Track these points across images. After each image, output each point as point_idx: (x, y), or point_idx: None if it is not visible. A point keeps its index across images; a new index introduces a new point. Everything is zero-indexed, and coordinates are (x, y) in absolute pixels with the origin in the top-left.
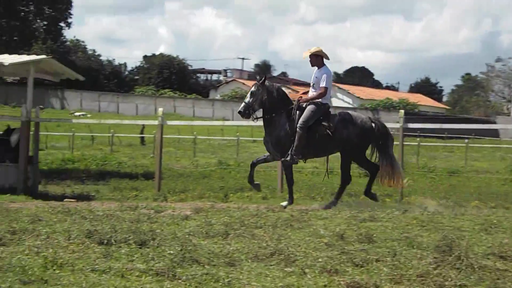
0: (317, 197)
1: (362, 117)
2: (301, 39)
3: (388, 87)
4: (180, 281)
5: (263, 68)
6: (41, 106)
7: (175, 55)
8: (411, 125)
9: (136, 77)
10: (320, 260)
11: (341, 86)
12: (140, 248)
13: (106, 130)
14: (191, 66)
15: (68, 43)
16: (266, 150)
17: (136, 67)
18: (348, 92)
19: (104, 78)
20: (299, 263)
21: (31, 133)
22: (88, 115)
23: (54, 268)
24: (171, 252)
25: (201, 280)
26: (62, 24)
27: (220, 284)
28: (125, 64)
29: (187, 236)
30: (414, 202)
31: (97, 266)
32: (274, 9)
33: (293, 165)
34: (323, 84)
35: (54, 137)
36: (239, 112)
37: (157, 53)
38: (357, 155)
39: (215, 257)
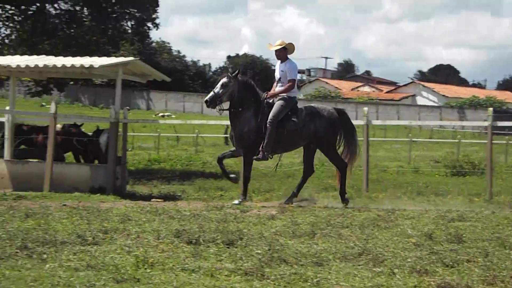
0: (403, 196)
1: (328, 109)
2: (385, 37)
3: (474, 85)
4: (268, 280)
5: (346, 67)
6: (128, 107)
7: (258, 55)
8: (500, 123)
9: None
10: (409, 260)
11: (426, 84)
12: (228, 247)
13: (191, 131)
14: (274, 65)
15: (154, 44)
16: (232, 144)
17: (220, 68)
18: (433, 91)
19: (188, 78)
20: (387, 263)
21: (119, 134)
22: (173, 116)
23: (145, 267)
24: (259, 251)
25: (290, 280)
26: (149, 24)
27: (308, 284)
28: (209, 65)
29: (274, 235)
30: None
31: (186, 266)
32: (357, 7)
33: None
34: (290, 77)
35: (141, 137)
36: (206, 101)
37: (240, 53)
38: (326, 148)
39: (302, 257)
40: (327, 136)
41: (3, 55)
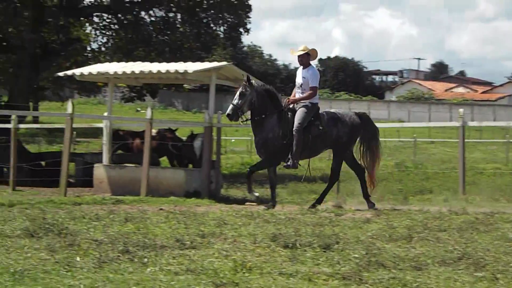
0: (501, 199)
1: (349, 114)
2: (480, 37)
3: None
4: (367, 285)
5: (439, 68)
6: (221, 112)
7: (350, 57)
8: None
9: None
10: None
11: None
12: (324, 251)
13: None
14: (366, 67)
15: (245, 48)
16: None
17: None
18: None
19: (280, 82)
20: (489, 268)
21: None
22: None
23: (243, 271)
24: (356, 255)
25: (388, 285)
26: (241, 29)
27: None
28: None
29: (370, 239)
30: None
31: (284, 270)
32: (450, 7)
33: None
34: (312, 84)
35: (233, 141)
36: (227, 115)
37: (332, 55)
38: (344, 152)
39: (400, 261)
40: (348, 142)
41: (100, 62)
